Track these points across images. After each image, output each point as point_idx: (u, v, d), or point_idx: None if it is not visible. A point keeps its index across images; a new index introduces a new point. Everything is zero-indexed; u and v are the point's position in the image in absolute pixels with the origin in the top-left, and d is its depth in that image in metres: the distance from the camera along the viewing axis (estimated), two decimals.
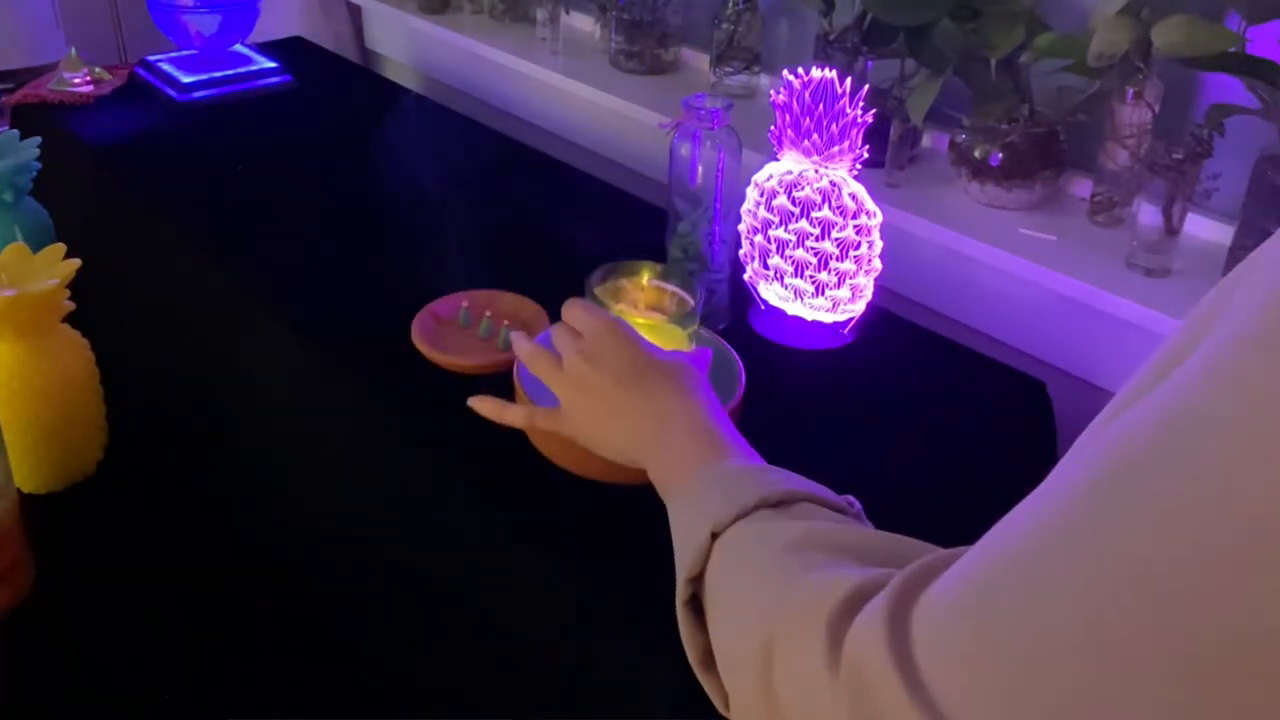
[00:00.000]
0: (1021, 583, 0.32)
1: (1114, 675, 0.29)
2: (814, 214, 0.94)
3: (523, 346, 0.76)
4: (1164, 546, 0.28)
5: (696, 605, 0.54)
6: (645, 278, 0.84)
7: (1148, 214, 1.05)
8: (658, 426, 0.66)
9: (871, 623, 0.37)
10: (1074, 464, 0.33)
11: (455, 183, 1.19)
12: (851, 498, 0.58)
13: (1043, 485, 0.34)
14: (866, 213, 0.93)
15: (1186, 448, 0.28)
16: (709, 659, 0.52)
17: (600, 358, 0.70)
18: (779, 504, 0.53)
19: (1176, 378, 0.30)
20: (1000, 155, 1.17)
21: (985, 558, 0.35)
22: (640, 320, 0.80)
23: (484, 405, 0.77)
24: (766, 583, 0.47)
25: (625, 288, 0.84)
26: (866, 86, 0.91)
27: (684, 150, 0.96)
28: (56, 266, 1.02)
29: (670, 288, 0.84)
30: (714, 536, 0.53)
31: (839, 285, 0.96)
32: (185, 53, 1.70)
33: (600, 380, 0.69)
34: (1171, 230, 1.04)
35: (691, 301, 0.81)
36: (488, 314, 1.00)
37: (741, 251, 1.03)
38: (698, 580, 0.53)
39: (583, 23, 1.82)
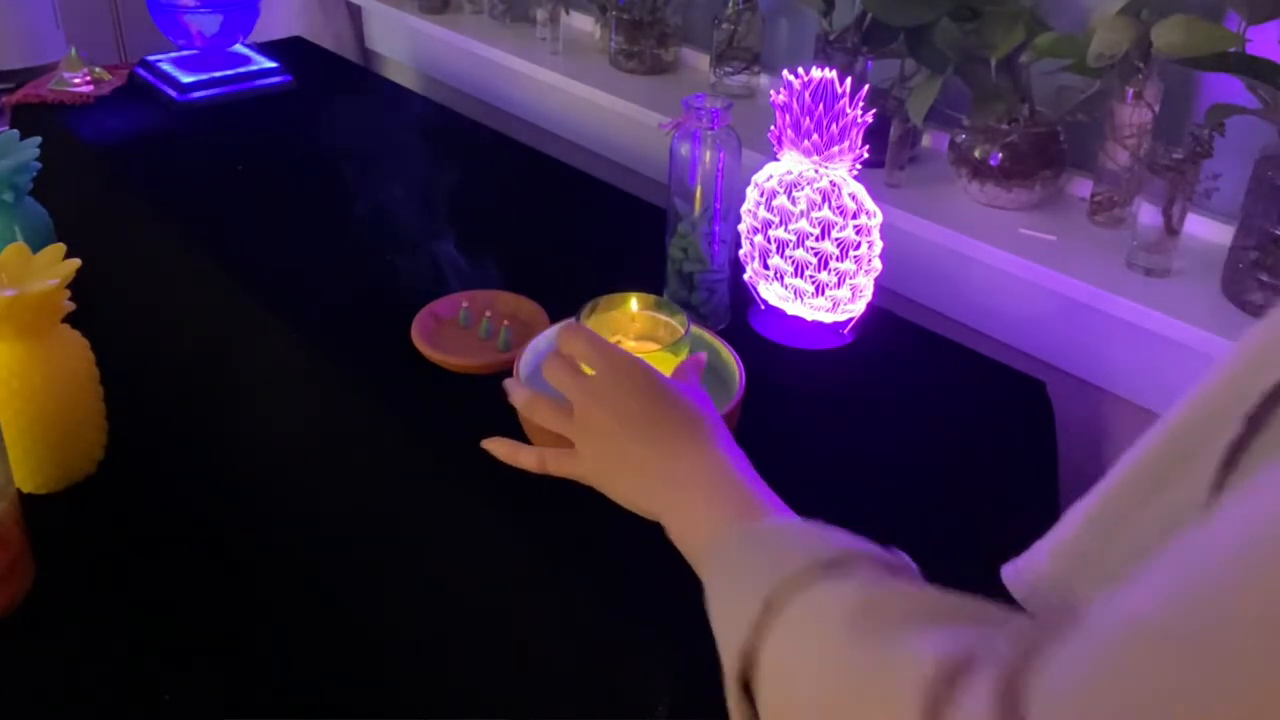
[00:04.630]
0: (1169, 658, 0.28)
1: None
2: (814, 214, 0.94)
3: (519, 395, 0.72)
4: None
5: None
6: (634, 306, 0.84)
7: (1148, 214, 1.05)
8: (674, 481, 0.61)
9: (977, 704, 0.33)
10: (1207, 530, 0.30)
11: (455, 183, 1.19)
12: (898, 550, 0.53)
13: (1172, 550, 0.31)
14: (866, 213, 0.93)
15: None
16: None
17: (607, 397, 0.65)
18: (830, 564, 0.48)
19: None
20: (1000, 155, 1.17)
21: (1116, 630, 0.31)
22: (633, 349, 0.80)
23: (497, 446, 0.74)
24: (841, 661, 0.42)
25: (616, 318, 0.84)
26: (866, 86, 0.91)
27: (684, 150, 0.96)
28: (56, 266, 1.02)
29: (660, 315, 0.84)
30: (766, 606, 0.47)
31: (839, 285, 0.96)
32: (185, 53, 1.70)
33: (608, 423, 0.64)
34: (1171, 230, 1.04)
35: (682, 329, 0.81)
36: (488, 314, 1.00)
37: (741, 251, 1.03)
38: (748, 654, 0.48)
39: (583, 23, 1.82)
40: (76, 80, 1.62)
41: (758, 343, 1.02)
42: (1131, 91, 1.08)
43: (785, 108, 0.93)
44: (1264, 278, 0.99)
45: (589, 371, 0.69)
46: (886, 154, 1.24)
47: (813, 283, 0.97)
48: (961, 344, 1.05)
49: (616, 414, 0.64)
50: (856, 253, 0.95)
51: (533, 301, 1.01)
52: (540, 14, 1.74)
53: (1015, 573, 0.48)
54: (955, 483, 0.90)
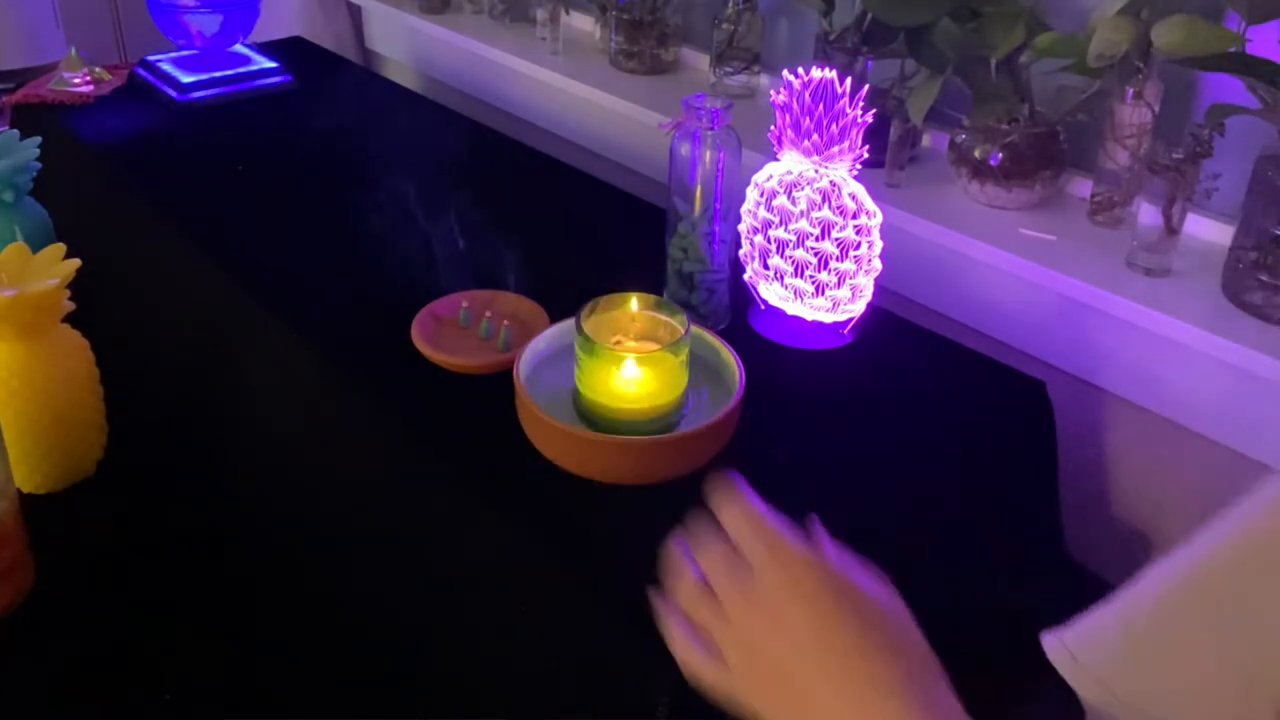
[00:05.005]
0: None
1: None
2: (814, 214, 0.94)
3: (674, 566, 0.54)
4: None
5: None
6: (634, 306, 0.84)
7: (1148, 214, 1.04)
8: None
9: None
10: None
11: (455, 183, 1.19)
12: None
13: None
14: (866, 213, 0.93)
15: None
16: None
17: (775, 607, 0.49)
18: None
19: None
20: (1000, 155, 1.17)
21: None
22: (636, 350, 0.80)
23: (674, 632, 0.55)
24: None
25: (616, 318, 0.84)
26: (866, 86, 0.91)
27: (684, 150, 0.96)
28: (56, 266, 1.02)
29: (660, 315, 0.84)
30: None
31: (839, 285, 0.96)
32: (185, 53, 1.70)
33: (774, 643, 0.49)
34: (1171, 230, 1.04)
35: (682, 329, 0.81)
36: (488, 314, 1.00)
37: (741, 251, 1.03)
38: None
39: (583, 23, 1.81)
40: (76, 80, 1.62)
41: (758, 343, 1.02)
42: (1131, 91, 1.08)
43: (785, 108, 0.93)
44: (1264, 278, 0.99)
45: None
46: (886, 154, 1.24)
47: (813, 283, 0.97)
48: (961, 344, 1.05)
49: (782, 632, 0.49)
50: (856, 253, 0.94)
51: (533, 301, 1.01)
52: (540, 14, 1.74)
53: (1063, 645, 0.44)
54: (955, 483, 0.90)
